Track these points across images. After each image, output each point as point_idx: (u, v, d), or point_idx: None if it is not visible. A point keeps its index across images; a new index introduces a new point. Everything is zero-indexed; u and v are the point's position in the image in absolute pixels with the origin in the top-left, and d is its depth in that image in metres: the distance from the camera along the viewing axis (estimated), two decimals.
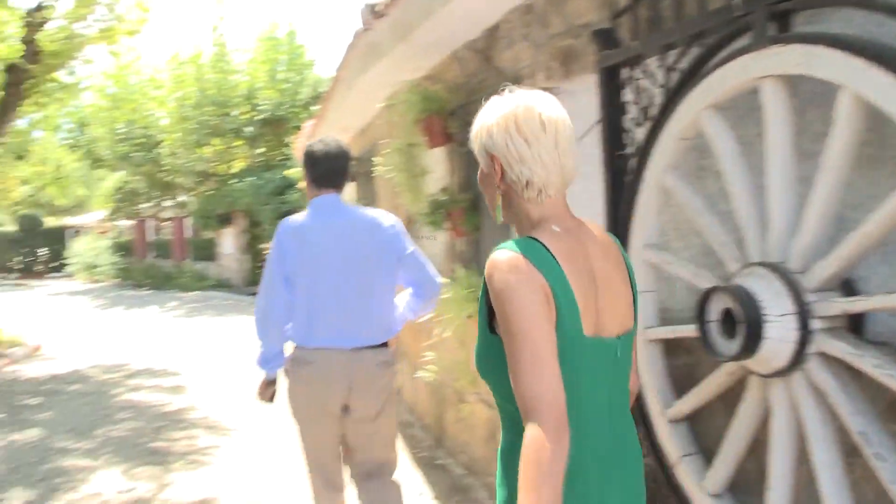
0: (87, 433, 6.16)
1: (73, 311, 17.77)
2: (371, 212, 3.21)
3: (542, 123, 1.61)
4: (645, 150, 2.33)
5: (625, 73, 2.51)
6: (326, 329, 3.00)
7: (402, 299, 3.31)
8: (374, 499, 3.19)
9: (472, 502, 4.34)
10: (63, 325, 14.41)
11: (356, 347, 3.01)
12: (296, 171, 15.21)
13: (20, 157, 24.55)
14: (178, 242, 26.43)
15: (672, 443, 2.35)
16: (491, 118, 1.68)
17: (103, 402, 7.32)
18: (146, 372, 8.95)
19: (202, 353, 10.24)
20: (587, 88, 3.21)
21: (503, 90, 1.71)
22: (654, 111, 2.34)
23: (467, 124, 4.44)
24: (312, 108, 20.06)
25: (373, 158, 7.74)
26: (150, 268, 26.84)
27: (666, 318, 2.47)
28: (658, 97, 2.33)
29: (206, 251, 24.80)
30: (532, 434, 1.38)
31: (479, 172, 1.77)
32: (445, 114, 4.53)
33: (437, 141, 4.60)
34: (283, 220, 3.19)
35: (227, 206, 21.02)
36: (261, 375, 3.23)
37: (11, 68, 9.68)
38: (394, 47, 4.76)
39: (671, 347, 2.45)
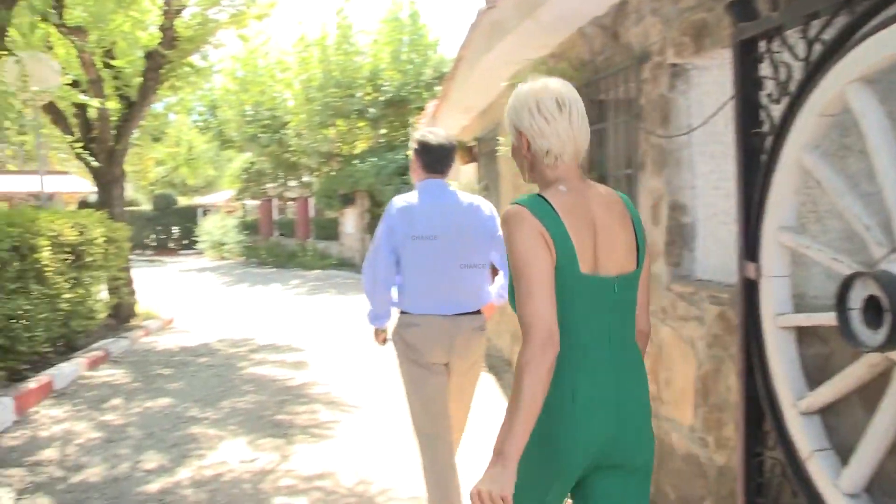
0: (215, 404, 6.45)
1: (201, 287, 18.61)
2: (471, 197, 3.61)
3: (558, 105, 1.99)
4: (782, 128, 2.24)
5: (762, 46, 2.42)
6: (429, 298, 3.40)
7: (496, 284, 3.74)
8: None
9: None
10: (192, 300, 15.09)
11: (455, 314, 3.42)
12: None
13: (157, 140, 25.82)
14: (301, 222, 27.24)
15: (803, 436, 2.26)
16: (518, 102, 2.05)
17: (229, 375, 7.64)
18: (270, 347, 9.28)
19: (324, 331, 10.54)
20: (719, 64, 3.12)
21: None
22: (793, 86, 2.25)
23: (594, 103, 4.42)
24: (435, 88, 20.22)
25: (496, 138, 7.77)
26: (274, 246, 27.74)
27: (800, 305, 2.38)
28: (798, 71, 2.23)
29: (329, 230, 25.49)
30: (524, 347, 1.81)
31: (511, 145, 2.14)
32: None
33: None
34: (395, 198, 3.58)
35: (349, 187, 21.50)
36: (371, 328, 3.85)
37: (150, 55, 10.18)
38: (518, 25, 4.75)
39: (805, 335, 2.36)
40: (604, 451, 1.98)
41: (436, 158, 3.52)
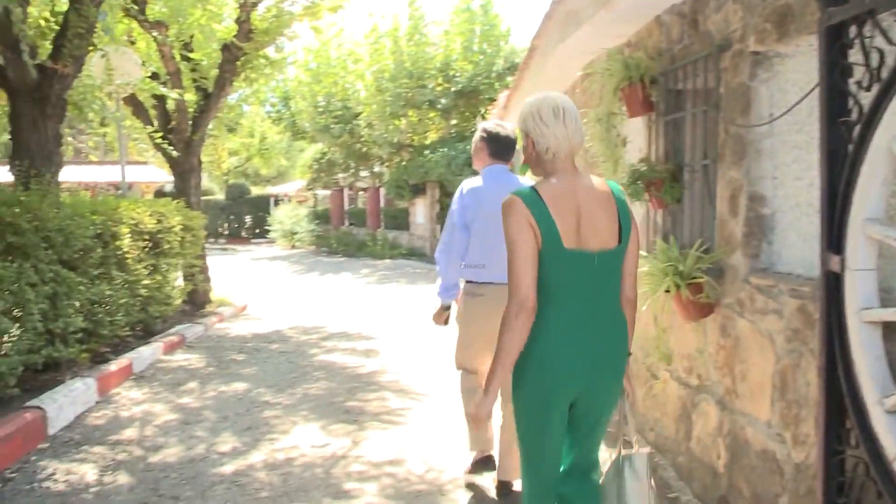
0: (287, 389, 6.58)
1: (273, 275, 18.97)
2: (527, 180, 3.91)
3: (554, 113, 2.56)
4: (872, 116, 2.17)
5: (852, 31, 2.34)
6: (494, 268, 3.73)
7: None
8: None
9: (660, 482, 4.27)
10: (264, 288, 15.41)
11: None
12: None
13: (231, 130, 26.35)
14: (372, 211, 27.53)
15: (890, 436, 2.19)
16: (525, 111, 2.62)
17: (301, 362, 7.77)
18: (341, 335, 9.42)
19: (394, 320, 10.65)
20: (804, 51, 3.04)
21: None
22: (885, 73, 2.18)
23: (670, 92, 4.35)
24: (507, 79, 20.17)
25: None
26: (344, 236, 28.10)
27: (887, 300, 2.32)
28: (892, 57, 2.16)
29: (399, 220, 25.71)
30: (508, 306, 2.49)
31: (524, 145, 2.70)
32: (647, 82, 4.42)
33: (637, 110, 4.51)
34: (464, 182, 4.12)
35: (420, 177, 21.64)
36: (437, 304, 4.28)
37: (226, 47, 10.41)
38: (594, 14, 4.70)
39: (892, 331, 2.29)
40: (584, 387, 2.63)
41: (502, 148, 4.10)
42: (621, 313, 2.71)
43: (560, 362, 2.56)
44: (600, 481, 2.88)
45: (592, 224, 2.55)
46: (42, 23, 7.29)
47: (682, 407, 4.20)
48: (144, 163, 27.49)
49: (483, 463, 4.27)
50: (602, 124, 4.90)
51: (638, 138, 5.02)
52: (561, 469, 2.83)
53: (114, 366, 6.65)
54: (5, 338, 5.19)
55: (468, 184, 4.05)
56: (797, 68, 3.14)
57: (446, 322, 4.30)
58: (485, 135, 4.09)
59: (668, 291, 3.74)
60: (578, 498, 2.83)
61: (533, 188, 2.58)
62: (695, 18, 3.96)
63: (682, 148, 4.31)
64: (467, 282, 4.08)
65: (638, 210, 5.00)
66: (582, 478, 2.86)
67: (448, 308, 4.26)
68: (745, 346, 3.35)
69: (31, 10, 7.01)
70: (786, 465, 2.99)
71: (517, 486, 3.97)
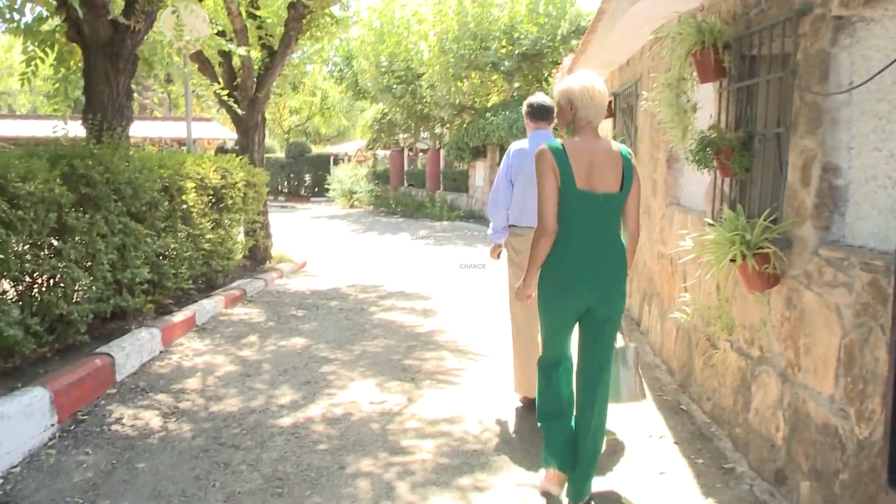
0: (345, 346, 6.69)
1: (331, 234, 19.18)
2: None
3: (599, 92, 3.48)
4: None
5: None
6: (533, 214, 3.96)
7: None
8: None
9: (715, 452, 4.27)
10: (323, 246, 15.59)
11: None
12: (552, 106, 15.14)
13: (295, 89, 26.52)
14: (431, 173, 27.52)
15: None
16: (575, 86, 3.50)
17: (359, 319, 7.88)
18: (399, 294, 9.51)
19: (451, 280, 10.71)
20: (892, 15, 2.95)
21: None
22: None
23: (744, 58, 4.26)
24: (572, 42, 19.87)
25: (636, 93, 7.61)
26: (403, 196, 28.16)
27: None
28: None
29: (459, 183, 25.69)
30: (536, 229, 3.42)
31: (557, 110, 3.65)
32: (720, 47, 4.33)
33: (709, 76, 4.42)
34: (512, 143, 4.96)
35: (481, 139, 21.54)
36: (490, 245, 5.32)
37: (293, 5, 10.45)
38: None
39: None
40: (590, 296, 3.51)
41: (542, 114, 5.00)
42: (621, 242, 3.60)
43: (572, 274, 3.49)
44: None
45: (601, 173, 3.45)
46: None
47: (742, 378, 4.17)
48: (208, 119, 27.89)
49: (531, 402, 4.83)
50: (671, 90, 4.81)
51: (708, 105, 4.93)
52: (578, 364, 3.74)
53: (177, 317, 6.84)
54: (76, 286, 5.38)
55: (515, 145, 4.90)
56: (883, 34, 3.05)
57: (498, 256, 5.25)
58: (527, 107, 5.07)
59: (733, 261, 3.70)
60: (584, 396, 3.67)
61: (561, 143, 3.47)
62: None
63: (753, 116, 4.22)
64: (511, 225, 4.95)
65: (705, 178, 4.94)
66: (594, 375, 3.65)
67: (499, 246, 5.16)
68: (811, 318, 3.30)
69: None
70: (848, 441, 2.96)
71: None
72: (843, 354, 3.00)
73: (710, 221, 4.16)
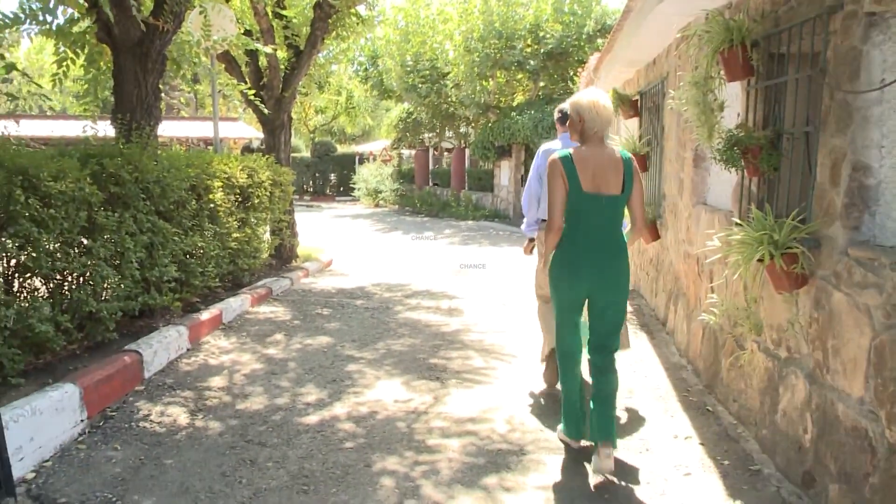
0: (370, 345, 6.71)
1: (357, 233, 19.25)
2: None
3: (605, 107, 3.97)
4: None
5: None
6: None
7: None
8: None
9: (742, 454, 4.24)
10: (349, 245, 15.66)
11: None
12: None
13: (321, 88, 26.59)
14: (456, 172, 27.48)
15: None
16: (584, 101, 4.01)
17: (385, 318, 7.90)
18: (424, 293, 9.53)
19: (476, 280, 10.70)
20: None
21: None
22: None
23: (772, 56, 4.22)
24: (597, 41, 19.79)
25: (662, 92, 7.56)
26: (428, 196, 28.17)
27: None
28: None
29: (484, 182, 25.63)
30: (546, 226, 4.02)
31: (569, 121, 4.15)
32: (748, 45, 4.30)
33: (736, 74, 4.38)
34: (543, 144, 5.34)
35: (506, 139, 21.50)
36: (524, 240, 5.82)
37: (318, 5, 10.50)
38: None
39: None
40: (592, 284, 4.04)
41: (567, 118, 4.96)
42: (622, 239, 4.09)
43: (575, 264, 4.03)
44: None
45: (604, 178, 3.96)
46: None
47: (769, 379, 4.14)
48: (234, 119, 28.07)
49: (553, 355, 5.29)
50: (698, 88, 4.77)
51: (735, 103, 4.89)
52: (587, 344, 4.22)
53: (204, 315, 6.90)
54: (105, 284, 5.44)
55: (545, 146, 5.25)
56: None
57: (531, 252, 5.63)
58: (558, 113, 5.56)
59: (760, 261, 3.67)
60: (600, 364, 4.15)
61: (569, 152, 4.00)
62: None
63: (781, 114, 4.19)
64: (541, 220, 5.28)
65: (733, 177, 4.90)
66: (603, 352, 4.15)
67: (532, 240, 5.56)
68: (840, 319, 3.27)
69: None
70: (879, 444, 2.92)
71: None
72: (873, 356, 2.97)
73: (738, 221, 4.13)
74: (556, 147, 5.10)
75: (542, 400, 5.23)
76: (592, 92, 4.11)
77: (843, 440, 3.21)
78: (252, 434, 4.48)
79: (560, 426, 4.42)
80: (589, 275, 4.02)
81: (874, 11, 3.10)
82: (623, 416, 4.90)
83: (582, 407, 4.30)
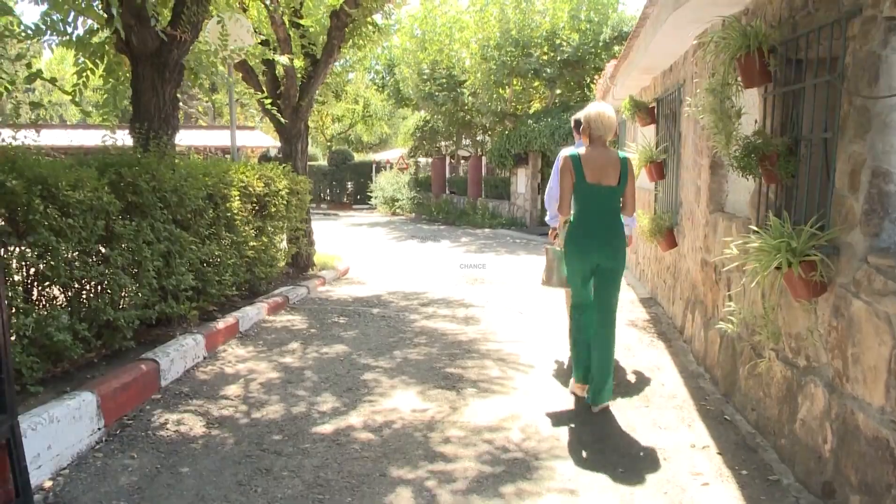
0: (387, 353, 6.70)
1: (374, 241, 19.27)
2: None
3: (600, 117, 5.05)
4: None
5: None
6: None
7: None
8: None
9: (760, 463, 4.19)
10: (365, 253, 15.68)
11: None
12: None
13: (337, 97, 26.67)
14: (473, 180, 27.47)
15: None
16: (591, 110, 5.12)
17: (401, 327, 7.90)
18: (441, 301, 9.52)
19: (493, 288, 10.67)
20: None
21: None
22: None
23: (790, 62, 4.20)
24: (614, 48, 19.76)
25: (679, 99, 7.53)
26: (444, 204, 28.18)
27: None
28: None
29: (500, 190, 25.60)
30: (557, 206, 5.18)
31: (581, 127, 5.28)
32: (766, 51, 4.27)
33: (753, 80, 4.35)
34: (563, 149, 5.49)
35: (522, 147, 21.49)
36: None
37: (335, 14, 10.54)
38: None
39: None
40: (598, 256, 5.06)
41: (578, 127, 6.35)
42: (620, 220, 5.17)
43: (585, 239, 5.12)
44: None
45: (604, 172, 5.04)
46: None
47: (787, 388, 4.10)
48: (251, 128, 28.22)
49: None
50: (715, 95, 4.74)
51: (753, 110, 4.87)
52: (595, 305, 5.26)
53: (221, 324, 6.93)
54: (123, 292, 5.47)
55: (565, 151, 5.42)
56: None
57: (555, 238, 6.05)
58: (574, 122, 6.49)
59: (778, 269, 3.64)
60: (604, 319, 5.21)
61: (578, 152, 5.11)
62: None
63: (799, 121, 4.16)
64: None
65: (750, 184, 4.87)
66: (605, 311, 5.23)
67: (555, 229, 6.08)
68: (860, 327, 3.23)
69: None
70: None
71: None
72: (893, 365, 2.93)
73: (755, 228, 4.10)
74: (573, 153, 5.61)
75: (558, 409, 5.20)
76: (598, 105, 5.22)
77: (864, 450, 3.17)
78: (267, 443, 4.48)
79: (572, 379, 5.53)
80: (596, 249, 5.09)
81: (893, 16, 3.08)
82: (640, 426, 4.87)
83: (588, 357, 5.28)
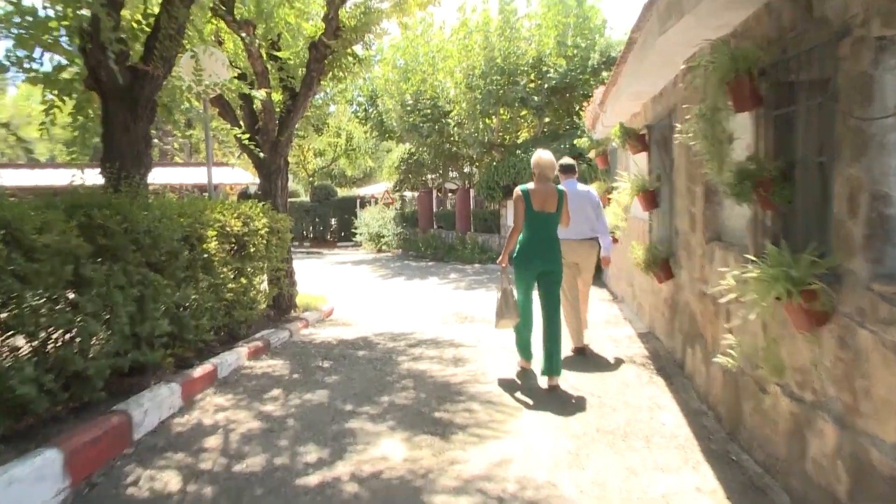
0: (373, 398, 6.61)
1: (359, 280, 19.20)
2: (585, 187, 8.83)
3: (538, 161, 7.16)
4: None
5: None
6: (567, 231, 7.70)
7: (604, 245, 8.63)
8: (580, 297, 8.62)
9: None
10: (350, 293, 15.60)
11: (580, 238, 8.35)
12: (585, 141, 15.07)
13: (318, 130, 26.72)
14: (461, 214, 27.50)
15: None
16: (534, 158, 7.26)
17: (388, 370, 7.81)
18: (429, 342, 9.44)
19: (483, 326, 10.59)
20: None
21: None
22: None
23: (781, 85, 4.21)
24: (602, 74, 19.92)
25: (670, 125, 7.57)
26: (432, 239, 28.17)
27: None
28: None
29: (490, 223, 25.63)
30: (510, 234, 7.13)
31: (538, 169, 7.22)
32: (755, 74, 4.29)
33: (744, 104, 4.37)
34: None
35: (511, 178, 21.54)
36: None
37: (314, 45, 10.58)
38: (698, 3, 4.61)
39: None
40: (541, 267, 7.01)
41: (567, 170, 8.72)
42: (557, 236, 7.07)
43: (530, 253, 6.94)
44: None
45: (546, 201, 6.93)
46: (134, 25, 7.56)
47: (795, 424, 4.06)
48: (230, 165, 28.23)
49: (576, 352, 8.37)
50: (706, 120, 4.75)
51: (745, 135, 4.87)
52: (541, 307, 7.12)
53: (198, 371, 6.84)
54: (93, 340, 5.39)
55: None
56: None
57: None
58: (559, 167, 8.26)
59: (778, 299, 3.61)
60: (551, 311, 7.08)
61: (526, 187, 6.98)
62: (809, 3, 3.82)
63: (793, 144, 4.16)
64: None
65: (746, 211, 4.86)
66: (550, 304, 7.11)
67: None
68: (868, 358, 3.20)
69: (125, 12, 7.28)
70: None
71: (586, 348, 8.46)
72: None
73: (752, 258, 4.08)
74: (562, 189, 7.28)
75: (554, 453, 5.14)
76: (538, 152, 7.23)
77: (882, 490, 3.12)
78: (248, 498, 4.39)
79: (518, 360, 7.64)
80: (538, 260, 6.99)
81: (884, 35, 3.09)
82: (641, 469, 4.81)
83: (529, 340, 7.42)
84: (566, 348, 7.80)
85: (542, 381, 7.01)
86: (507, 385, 7.02)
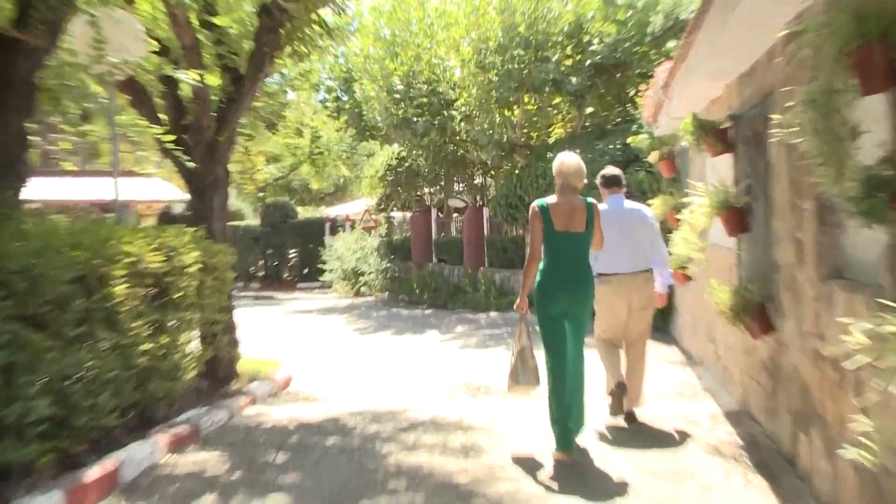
0: None
1: (329, 335, 19.21)
2: (632, 204, 9.27)
3: (561, 165, 7.85)
4: None
5: None
6: (617, 264, 8.66)
7: (658, 280, 9.06)
8: (634, 354, 9.03)
9: None
10: (316, 354, 15.60)
11: (633, 272, 8.74)
12: (643, 140, 14.97)
13: (271, 127, 26.76)
14: (471, 242, 27.35)
15: None
16: (556, 165, 7.89)
17: (369, 465, 7.71)
18: (428, 424, 9.35)
19: (503, 400, 10.51)
20: None
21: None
22: None
23: None
24: (668, 44, 19.81)
25: (764, 115, 7.48)
26: (430, 277, 28.09)
27: None
28: None
29: (510, 254, 25.45)
30: (527, 259, 7.81)
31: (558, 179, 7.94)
32: (892, 40, 4.18)
33: (877, 84, 4.26)
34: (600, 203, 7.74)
35: (541, 190, 21.45)
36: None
37: (265, 9, 10.46)
38: None
39: None
40: (567, 302, 7.62)
41: (611, 182, 9.11)
42: (588, 265, 7.73)
43: (552, 290, 7.57)
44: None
45: (572, 219, 7.50)
46: None
47: None
48: (142, 174, 28.27)
49: (619, 387, 8.66)
50: (817, 108, 4.65)
51: (877, 127, 4.76)
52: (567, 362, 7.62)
53: (93, 472, 6.73)
54: None
55: (602, 206, 7.82)
56: None
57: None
58: (600, 178, 9.07)
59: None
60: (576, 354, 7.67)
61: (545, 202, 7.59)
62: None
63: None
64: (599, 274, 8.43)
65: (879, 236, 4.75)
66: (576, 352, 7.65)
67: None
68: None
69: None
70: None
71: (638, 413, 8.96)
72: None
73: (891, 303, 3.95)
74: (606, 208, 8.43)
75: None
76: (561, 156, 7.86)
77: None
78: None
79: (552, 450, 7.66)
80: (564, 296, 7.57)
81: None
82: None
83: (568, 423, 7.54)
84: (601, 389, 8.97)
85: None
86: (536, 484, 6.90)
